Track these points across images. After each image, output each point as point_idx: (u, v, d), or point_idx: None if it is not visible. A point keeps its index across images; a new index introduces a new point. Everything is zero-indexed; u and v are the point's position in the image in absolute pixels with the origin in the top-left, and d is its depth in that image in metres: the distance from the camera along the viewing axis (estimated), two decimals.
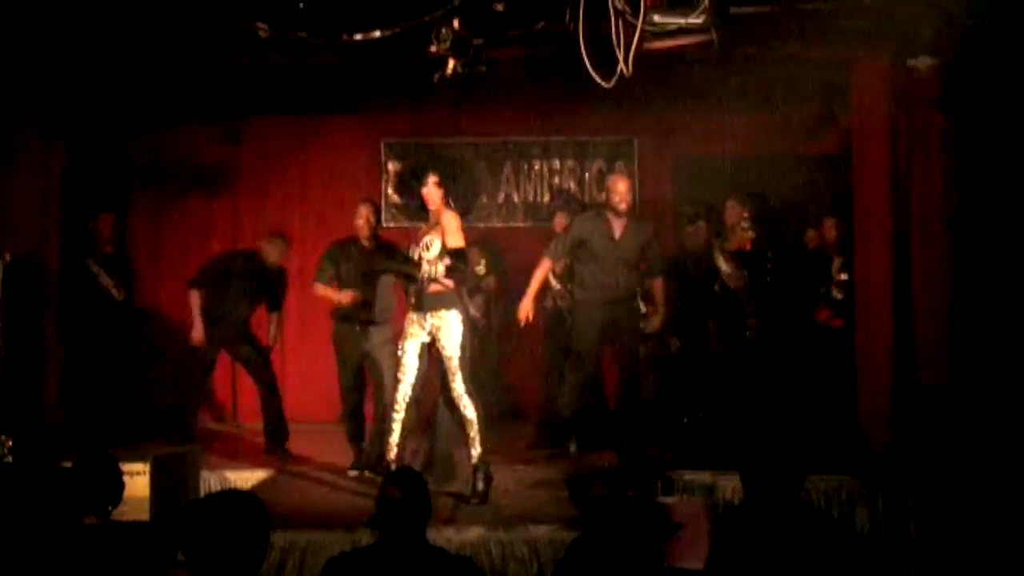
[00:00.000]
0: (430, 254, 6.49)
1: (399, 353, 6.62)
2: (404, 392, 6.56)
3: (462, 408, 6.50)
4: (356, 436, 7.79)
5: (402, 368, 6.59)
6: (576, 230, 7.59)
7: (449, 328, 6.48)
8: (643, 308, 7.98)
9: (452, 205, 6.58)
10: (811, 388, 8.02)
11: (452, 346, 6.48)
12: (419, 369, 6.62)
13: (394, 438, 6.54)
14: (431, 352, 6.63)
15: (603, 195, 10.07)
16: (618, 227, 7.49)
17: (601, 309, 7.45)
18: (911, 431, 7.04)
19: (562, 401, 7.59)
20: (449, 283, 6.52)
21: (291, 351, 9.61)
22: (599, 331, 7.49)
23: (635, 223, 7.65)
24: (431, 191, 6.59)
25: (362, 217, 7.69)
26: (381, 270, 7.44)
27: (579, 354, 7.53)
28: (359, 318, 7.65)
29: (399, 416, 6.55)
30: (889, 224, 7.30)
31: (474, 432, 6.52)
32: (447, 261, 6.43)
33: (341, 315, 7.72)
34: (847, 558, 3.84)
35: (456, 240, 6.47)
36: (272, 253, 8.17)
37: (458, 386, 6.48)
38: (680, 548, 4.87)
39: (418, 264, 6.52)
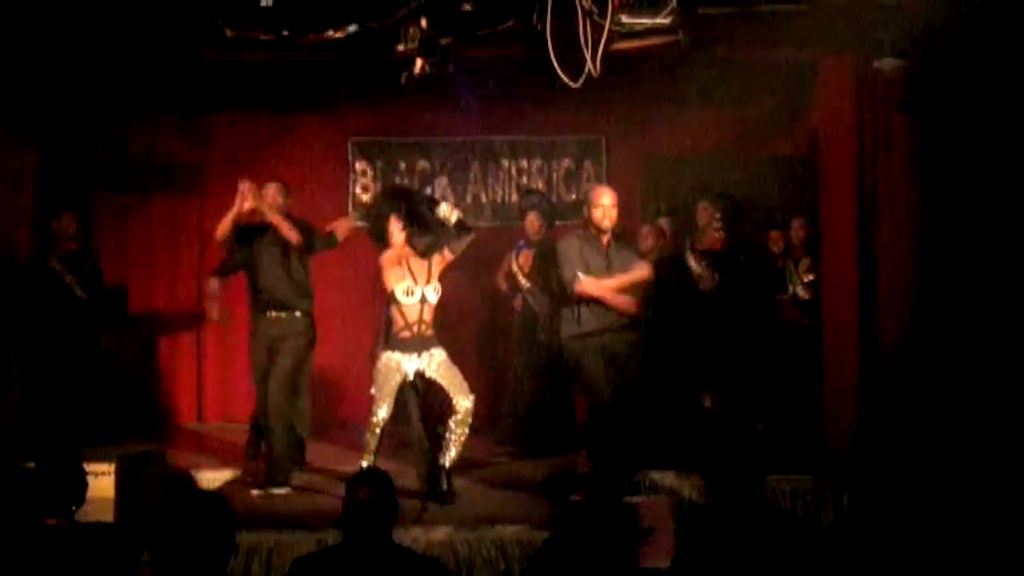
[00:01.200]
0: (431, 297, 6.69)
1: (377, 382, 6.64)
2: (381, 418, 6.56)
3: (455, 413, 6.58)
4: (256, 443, 7.36)
5: (381, 397, 6.59)
6: (572, 252, 6.80)
7: (446, 361, 6.67)
8: None
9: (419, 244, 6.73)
10: (778, 387, 8.07)
11: (454, 375, 6.66)
12: (398, 399, 6.68)
13: (366, 463, 6.51)
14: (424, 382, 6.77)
15: (572, 196, 10.20)
16: (604, 241, 6.86)
17: (601, 340, 6.74)
18: (876, 428, 7.09)
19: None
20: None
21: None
22: (601, 362, 6.75)
23: (619, 242, 7.06)
24: (394, 235, 6.73)
25: (268, 197, 7.16)
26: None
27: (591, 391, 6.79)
28: (266, 307, 7.22)
29: (373, 439, 6.54)
30: (855, 223, 7.35)
31: (457, 436, 6.58)
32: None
33: (255, 304, 7.31)
34: (810, 556, 3.86)
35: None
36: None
37: (462, 402, 6.60)
38: (646, 548, 4.88)
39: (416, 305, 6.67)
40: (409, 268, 6.68)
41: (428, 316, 6.70)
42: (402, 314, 6.68)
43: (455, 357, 6.84)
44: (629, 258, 7.01)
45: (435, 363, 6.66)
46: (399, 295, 6.67)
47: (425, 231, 6.74)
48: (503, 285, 8.77)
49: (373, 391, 6.67)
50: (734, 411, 7.98)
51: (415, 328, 6.66)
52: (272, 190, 7.22)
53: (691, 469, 6.54)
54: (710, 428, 7.53)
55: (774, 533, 3.80)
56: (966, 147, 6.95)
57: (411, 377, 6.67)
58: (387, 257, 6.74)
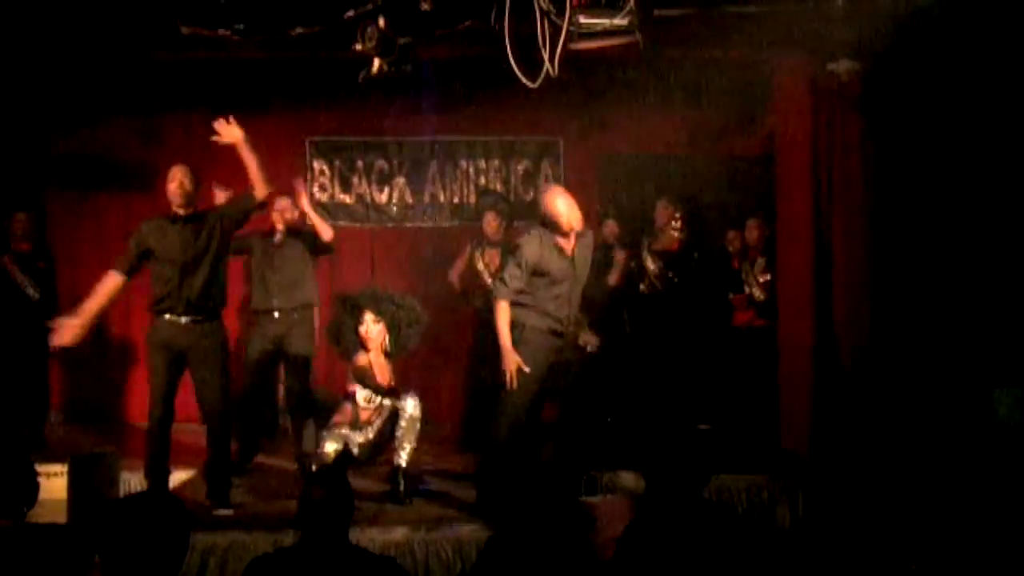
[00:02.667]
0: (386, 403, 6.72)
1: (330, 435, 6.63)
2: (334, 450, 6.58)
3: (403, 413, 6.57)
4: (153, 469, 6.46)
5: (330, 440, 6.62)
6: (529, 255, 6.31)
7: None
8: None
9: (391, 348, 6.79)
10: (732, 388, 8.11)
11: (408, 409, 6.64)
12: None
13: None
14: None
15: (529, 196, 10.18)
16: (568, 245, 6.40)
17: (551, 339, 6.38)
18: (832, 427, 7.14)
19: (497, 433, 6.42)
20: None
21: None
22: (546, 360, 6.35)
23: (582, 237, 6.52)
24: (370, 328, 6.72)
25: (175, 181, 6.35)
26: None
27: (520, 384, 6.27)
28: (177, 308, 6.30)
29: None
30: (810, 223, 7.40)
31: (409, 436, 6.57)
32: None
33: (158, 307, 6.36)
34: (757, 555, 3.88)
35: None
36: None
37: (407, 402, 6.59)
38: (604, 546, 4.90)
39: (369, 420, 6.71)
40: (377, 376, 6.74)
41: (376, 418, 6.74)
42: (356, 413, 6.75)
43: (418, 358, 6.85)
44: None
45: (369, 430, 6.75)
46: (360, 399, 6.76)
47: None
48: (457, 284, 8.74)
49: (324, 433, 6.71)
50: (682, 411, 8.02)
51: (361, 422, 6.74)
52: (179, 173, 6.42)
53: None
54: (653, 427, 7.56)
55: (716, 531, 3.81)
56: (920, 148, 7.03)
57: (355, 450, 6.71)
58: (361, 364, 6.77)
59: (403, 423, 6.57)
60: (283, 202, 7.79)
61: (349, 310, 6.84)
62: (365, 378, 6.73)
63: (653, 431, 4.16)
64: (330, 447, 6.56)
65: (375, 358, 6.74)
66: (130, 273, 6.34)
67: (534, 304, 6.32)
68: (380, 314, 6.76)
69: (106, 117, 9.59)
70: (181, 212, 6.38)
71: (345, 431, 6.67)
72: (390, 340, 6.80)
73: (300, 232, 7.84)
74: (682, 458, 3.91)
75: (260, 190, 6.38)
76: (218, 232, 6.39)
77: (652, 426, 7.46)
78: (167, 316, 6.31)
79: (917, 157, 7.06)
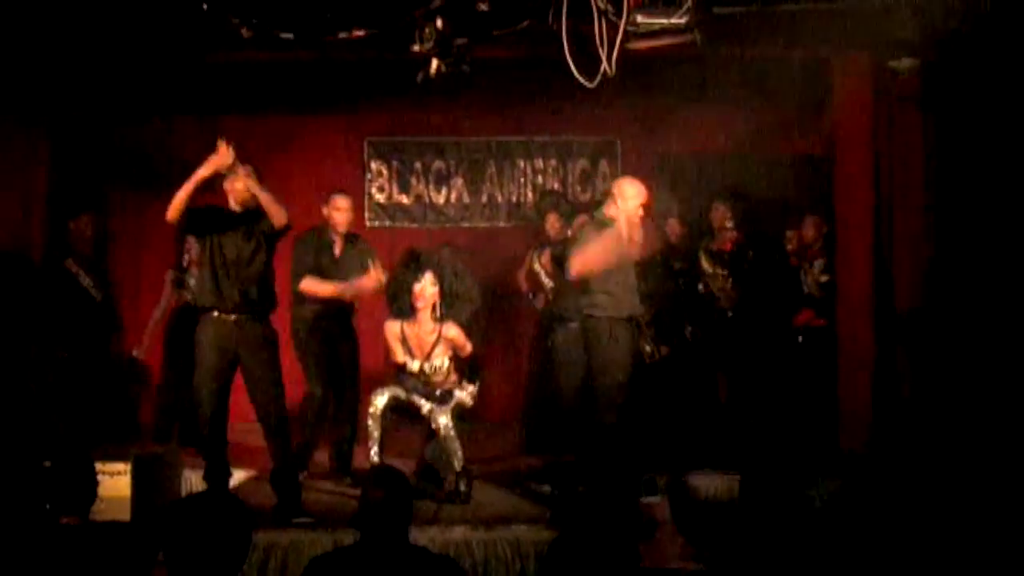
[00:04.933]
0: (440, 367, 6.67)
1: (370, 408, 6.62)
2: (381, 405, 6.59)
3: (441, 434, 6.58)
4: (212, 468, 6.36)
5: (384, 390, 6.65)
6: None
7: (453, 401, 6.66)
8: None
9: (442, 312, 6.74)
10: (792, 388, 8.05)
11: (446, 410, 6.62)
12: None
13: (374, 451, 6.53)
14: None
15: (587, 196, 10.16)
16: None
17: (631, 328, 6.57)
18: (891, 427, 7.07)
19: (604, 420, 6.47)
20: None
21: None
22: (632, 348, 6.57)
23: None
24: (426, 288, 6.69)
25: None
26: None
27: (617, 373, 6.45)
28: (226, 306, 6.24)
29: (376, 426, 6.54)
30: (871, 222, 7.33)
31: (451, 449, 6.58)
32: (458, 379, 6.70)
33: (206, 303, 6.32)
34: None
35: (468, 346, 6.72)
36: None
37: (443, 421, 6.57)
38: (653, 548, 4.90)
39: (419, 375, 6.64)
40: (410, 341, 6.70)
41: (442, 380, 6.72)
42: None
43: (478, 359, 6.89)
44: None
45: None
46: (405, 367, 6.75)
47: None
48: (524, 285, 8.72)
49: (377, 389, 6.71)
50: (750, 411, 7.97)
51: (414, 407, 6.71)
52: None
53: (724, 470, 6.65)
54: (744, 428, 7.53)
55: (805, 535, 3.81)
56: (982, 145, 6.93)
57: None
58: (392, 330, 6.76)
59: (440, 440, 6.60)
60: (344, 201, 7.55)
61: (411, 267, 6.84)
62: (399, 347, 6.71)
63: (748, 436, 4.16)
64: (380, 401, 6.56)
65: (422, 321, 6.69)
66: (183, 216, 6.23)
67: (610, 294, 6.47)
68: (440, 278, 6.76)
69: (166, 118, 9.70)
70: (238, 209, 6.37)
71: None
72: (442, 305, 6.79)
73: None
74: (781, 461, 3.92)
75: (275, 220, 6.24)
76: (265, 236, 6.34)
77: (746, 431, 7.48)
78: (215, 313, 6.24)
79: (980, 154, 6.96)
